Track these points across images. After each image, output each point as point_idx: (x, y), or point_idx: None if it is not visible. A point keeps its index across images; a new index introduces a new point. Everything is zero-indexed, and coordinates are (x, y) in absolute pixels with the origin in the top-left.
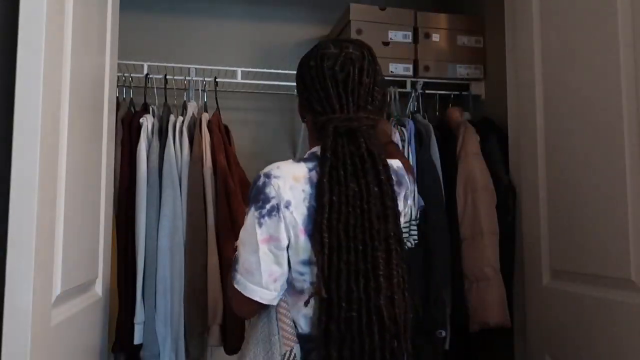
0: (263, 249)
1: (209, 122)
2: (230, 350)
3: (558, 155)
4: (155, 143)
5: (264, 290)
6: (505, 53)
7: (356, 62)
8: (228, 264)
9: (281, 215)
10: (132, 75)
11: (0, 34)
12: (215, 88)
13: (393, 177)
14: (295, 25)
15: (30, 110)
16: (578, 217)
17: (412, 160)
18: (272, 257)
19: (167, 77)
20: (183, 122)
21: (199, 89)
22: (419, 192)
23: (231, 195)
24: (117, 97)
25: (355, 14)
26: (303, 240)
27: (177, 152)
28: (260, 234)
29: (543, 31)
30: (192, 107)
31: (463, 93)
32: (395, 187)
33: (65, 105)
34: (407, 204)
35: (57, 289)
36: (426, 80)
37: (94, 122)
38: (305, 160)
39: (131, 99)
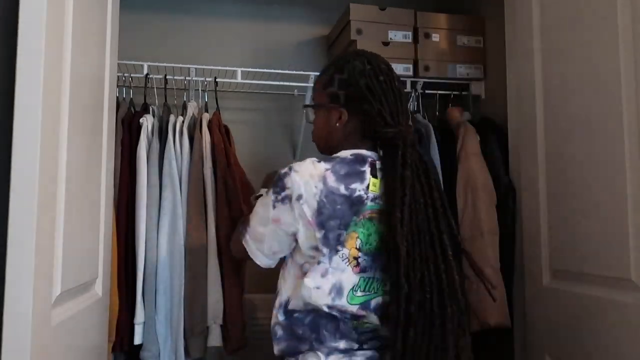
0: (271, 227)
1: (210, 122)
2: (230, 350)
3: (558, 155)
4: (155, 143)
5: (263, 257)
6: (505, 53)
7: (397, 76)
8: (228, 264)
9: (293, 206)
10: (132, 75)
11: (0, 34)
12: (215, 88)
13: None
14: (295, 25)
15: (30, 110)
16: (578, 217)
17: None
18: (276, 236)
19: (167, 77)
20: (183, 122)
21: (199, 89)
22: None
23: (231, 196)
24: (117, 97)
25: (355, 14)
26: (312, 230)
27: (178, 152)
28: (273, 214)
29: (543, 31)
30: (192, 107)
31: (463, 93)
32: None
33: (65, 105)
34: None
35: (57, 289)
36: (426, 80)
37: (94, 122)
38: (327, 161)
39: (131, 99)
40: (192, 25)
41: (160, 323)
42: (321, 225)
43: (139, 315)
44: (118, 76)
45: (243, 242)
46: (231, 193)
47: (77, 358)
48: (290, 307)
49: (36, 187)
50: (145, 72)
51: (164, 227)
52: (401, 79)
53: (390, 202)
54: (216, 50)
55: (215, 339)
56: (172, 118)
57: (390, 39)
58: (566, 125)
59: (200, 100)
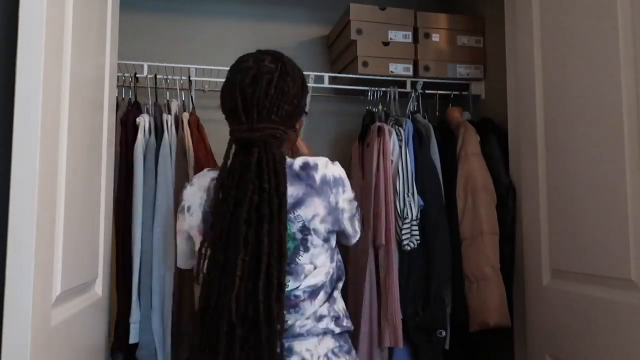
0: (178, 236)
1: (188, 122)
2: None
3: (558, 155)
4: (152, 141)
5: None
6: (505, 53)
7: (266, 74)
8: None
9: (185, 216)
10: (132, 75)
11: (0, 34)
12: (190, 87)
13: (303, 181)
14: (295, 25)
15: (30, 110)
16: (578, 217)
17: (411, 161)
18: (183, 242)
19: (166, 77)
20: (172, 121)
21: (185, 89)
22: (418, 193)
23: None
24: (117, 97)
25: (355, 14)
26: (199, 239)
27: (172, 150)
28: (177, 225)
29: (543, 31)
30: (175, 106)
31: (463, 93)
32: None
33: (65, 105)
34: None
35: (57, 289)
36: (426, 80)
37: (94, 122)
38: (213, 170)
39: (130, 99)
40: (191, 25)
41: (156, 322)
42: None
43: (135, 315)
44: (118, 76)
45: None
46: None
47: (77, 358)
48: None
49: (36, 187)
50: (145, 72)
51: (157, 226)
52: (401, 79)
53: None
54: (216, 50)
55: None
56: (165, 117)
57: (390, 39)
58: (566, 125)
59: (193, 100)
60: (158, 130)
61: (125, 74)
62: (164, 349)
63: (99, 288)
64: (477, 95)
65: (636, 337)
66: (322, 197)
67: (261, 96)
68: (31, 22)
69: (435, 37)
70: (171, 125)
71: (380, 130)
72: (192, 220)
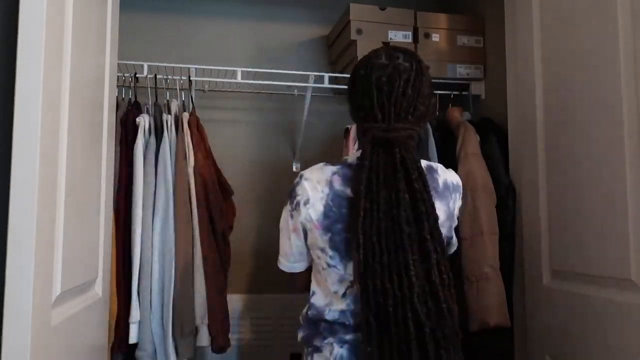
0: (294, 235)
1: (188, 122)
2: (217, 349)
3: (558, 155)
4: (152, 142)
5: (297, 264)
6: (505, 53)
7: (403, 73)
8: (209, 265)
9: (300, 210)
10: (132, 75)
11: (0, 34)
12: (190, 86)
13: (434, 184)
14: (295, 25)
15: (30, 110)
16: (578, 217)
17: None
18: (301, 242)
19: (166, 77)
20: (172, 121)
21: (185, 88)
22: None
23: (210, 194)
24: (117, 97)
25: (355, 14)
26: (318, 233)
27: (172, 150)
28: (292, 224)
29: (543, 31)
30: (174, 106)
31: (463, 93)
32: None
33: (65, 105)
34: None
35: (57, 289)
36: None
37: (94, 122)
38: (334, 164)
39: (130, 99)
40: (192, 25)
41: (155, 322)
42: (327, 229)
43: (134, 315)
44: (118, 76)
45: (281, 268)
46: (210, 192)
47: (77, 358)
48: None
49: (36, 188)
50: (145, 72)
51: (157, 226)
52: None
53: (351, 209)
54: (216, 50)
55: (203, 339)
56: (165, 117)
57: (390, 39)
58: (566, 125)
59: (194, 100)
60: (158, 130)
61: (125, 74)
62: (163, 349)
63: (99, 288)
64: (477, 95)
65: (636, 337)
66: (444, 202)
67: (399, 95)
68: (31, 22)
69: (435, 37)
70: (171, 125)
71: None
72: (310, 213)
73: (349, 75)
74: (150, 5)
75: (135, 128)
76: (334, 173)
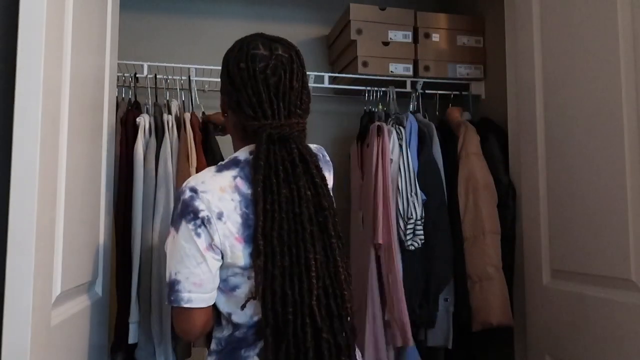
0: (208, 256)
1: (191, 122)
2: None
3: (558, 155)
4: (153, 142)
5: (212, 294)
6: (505, 53)
7: (287, 65)
8: None
9: (215, 227)
10: (132, 75)
11: (0, 34)
12: (190, 87)
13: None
14: (295, 25)
15: (30, 110)
16: (578, 217)
17: (412, 160)
18: (216, 263)
19: (166, 77)
20: (173, 121)
21: (185, 88)
22: (421, 191)
23: None
24: (117, 97)
25: (355, 14)
26: (241, 248)
27: (174, 150)
28: (201, 243)
29: (543, 31)
30: (175, 106)
31: (463, 93)
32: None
33: (65, 105)
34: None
35: (57, 289)
36: (426, 80)
37: (94, 122)
38: (226, 167)
39: (130, 99)
40: (192, 25)
41: (155, 322)
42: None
43: (134, 315)
44: (118, 76)
45: (185, 306)
46: None
47: (77, 358)
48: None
49: (36, 188)
50: (145, 72)
51: (156, 226)
52: (401, 79)
53: (251, 212)
54: (216, 50)
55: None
56: (165, 117)
57: (390, 39)
58: (566, 125)
59: (194, 99)
60: (158, 130)
61: (125, 74)
62: (163, 349)
63: (99, 288)
64: (477, 95)
65: (636, 337)
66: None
67: (287, 90)
68: (31, 22)
69: (435, 37)
70: (172, 125)
71: (379, 129)
72: (229, 227)
73: (349, 75)
74: (150, 5)
75: (135, 128)
76: (235, 177)
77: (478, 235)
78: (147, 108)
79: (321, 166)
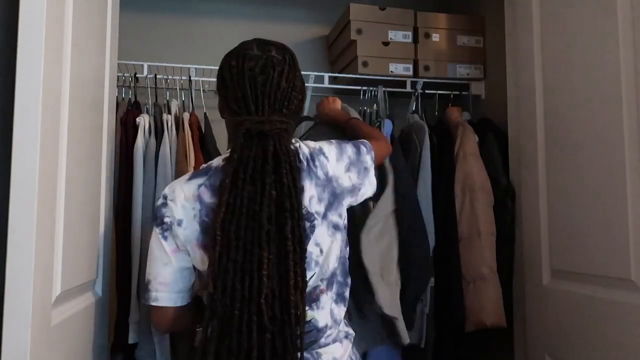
0: (176, 258)
1: (190, 122)
2: None
3: (558, 155)
4: (153, 142)
5: (179, 294)
6: (505, 53)
7: (277, 65)
8: None
9: (176, 232)
10: (132, 75)
11: (0, 34)
12: (190, 87)
13: (307, 167)
14: (295, 25)
15: (30, 110)
16: (578, 217)
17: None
18: (186, 264)
19: (166, 77)
20: (172, 121)
21: (185, 88)
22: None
23: None
24: (117, 97)
25: (355, 14)
26: (200, 254)
27: (173, 150)
28: (168, 245)
29: (543, 31)
30: (174, 106)
31: (463, 93)
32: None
33: (65, 105)
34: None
35: (57, 289)
36: (426, 80)
37: (94, 122)
38: (197, 175)
39: (130, 99)
40: (192, 25)
41: None
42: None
43: (133, 315)
44: (118, 76)
45: (154, 304)
46: None
47: (77, 358)
48: None
49: (36, 188)
50: (145, 72)
51: None
52: (401, 79)
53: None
54: (216, 50)
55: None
56: (165, 117)
57: (390, 39)
58: (566, 125)
59: (194, 99)
60: (158, 130)
61: (125, 74)
62: (163, 349)
63: (99, 288)
64: (477, 95)
65: (636, 337)
66: (311, 175)
67: (273, 87)
68: (31, 22)
69: (435, 37)
70: (171, 125)
71: None
72: (188, 234)
73: (349, 75)
74: (150, 5)
75: (135, 128)
76: (200, 185)
77: (473, 236)
78: (147, 108)
79: (306, 168)
